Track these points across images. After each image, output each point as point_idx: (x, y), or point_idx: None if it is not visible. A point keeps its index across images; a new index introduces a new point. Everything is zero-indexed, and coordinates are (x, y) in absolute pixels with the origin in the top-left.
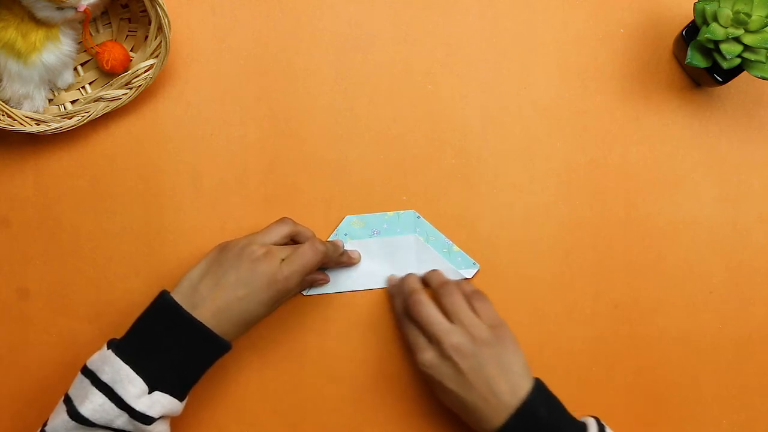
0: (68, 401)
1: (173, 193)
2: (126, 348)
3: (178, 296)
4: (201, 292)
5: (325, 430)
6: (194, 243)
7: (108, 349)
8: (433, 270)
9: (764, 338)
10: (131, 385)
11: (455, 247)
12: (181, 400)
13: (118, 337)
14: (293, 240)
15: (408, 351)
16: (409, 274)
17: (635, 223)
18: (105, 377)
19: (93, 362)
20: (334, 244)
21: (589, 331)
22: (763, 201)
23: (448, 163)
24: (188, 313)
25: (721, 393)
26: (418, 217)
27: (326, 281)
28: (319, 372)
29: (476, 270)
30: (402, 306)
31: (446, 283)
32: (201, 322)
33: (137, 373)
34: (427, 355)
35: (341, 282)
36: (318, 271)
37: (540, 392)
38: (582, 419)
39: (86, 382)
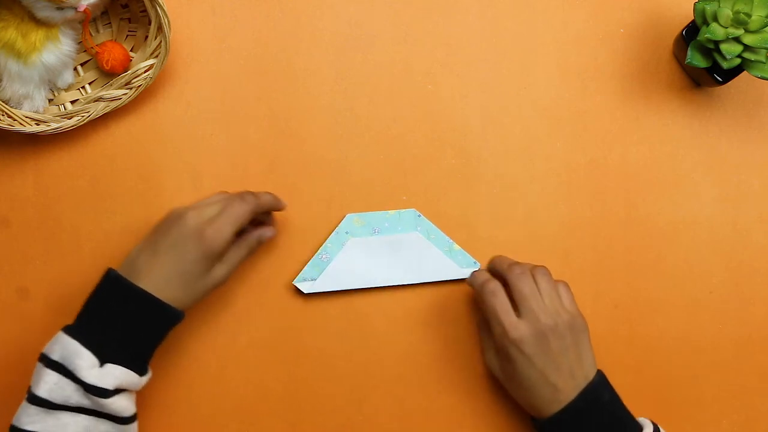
0: (28, 389)
1: (173, 193)
2: (75, 327)
3: (121, 271)
4: (139, 264)
5: (325, 430)
6: None
7: (60, 331)
8: (503, 257)
9: (764, 338)
10: (80, 359)
11: (456, 246)
12: (140, 373)
13: None
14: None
15: (408, 351)
16: (501, 255)
17: (635, 223)
18: (55, 356)
19: (47, 347)
20: (273, 196)
21: (588, 330)
22: (763, 201)
23: (448, 163)
24: (130, 282)
25: (721, 393)
26: (419, 216)
27: (272, 235)
28: (319, 372)
29: (476, 269)
30: (484, 279)
31: (539, 267)
32: (144, 290)
33: (86, 347)
34: (520, 331)
35: (341, 279)
36: (261, 226)
37: (603, 378)
38: (639, 419)
39: (40, 365)
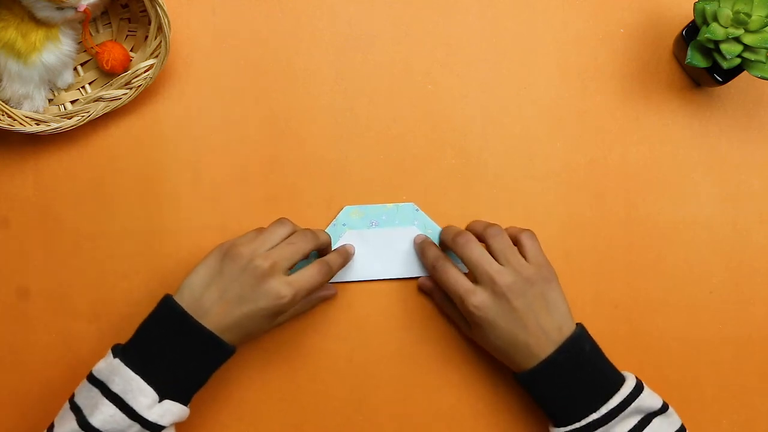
0: (77, 410)
1: (173, 194)
2: (134, 356)
3: (181, 303)
4: (204, 304)
5: (326, 430)
6: (194, 243)
7: (114, 357)
8: (476, 220)
9: (764, 338)
10: (142, 396)
11: None
12: (187, 405)
13: (119, 338)
14: None
15: (408, 350)
16: (449, 226)
17: (635, 223)
18: (115, 388)
19: (100, 371)
20: (342, 257)
21: (589, 330)
22: (763, 201)
23: (448, 163)
24: (196, 320)
25: (721, 393)
26: (417, 210)
27: (333, 294)
28: (320, 372)
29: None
30: (433, 257)
31: (492, 225)
32: (210, 330)
33: (148, 383)
34: (479, 297)
35: (339, 273)
36: (326, 286)
37: (584, 332)
38: (623, 372)
39: (95, 391)
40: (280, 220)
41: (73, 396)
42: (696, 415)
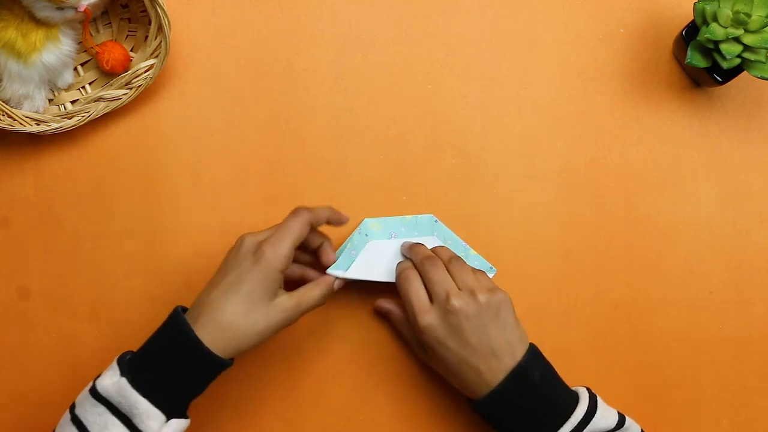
0: (82, 427)
1: (173, 193)
2: (141, 378)
3: (191, 310)
4: (202, 298)
5: (326, 430)
6: (194, 243)
7: (122, 375)
8: (441, 246)
9: (764, 338)
10: (151, 420)
11: (472, 251)
12: (188, 417)
13: (119, 338)
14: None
15: (408, 350)
16: (419, 243)
17: (635, 223)
18: (123, 409)
19: (107, 390)
20: (328, 209)
21: (589, 330)
22: (763, 201)
23: (448, 163)
24: (195, 336)
25: (721, 393)
26: (436, 221)
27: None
28: (320, 372)
29: (494, 273)
30: (402, 267)
31: (455, 257)
32: (209, 350)
33: (155, 406)
34: (431, 316)
35: (367, 271)
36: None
37: (534, 356)
38: (575, 389)
39: (102, 408)
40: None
41: (73, 407)
42: (696, 415)
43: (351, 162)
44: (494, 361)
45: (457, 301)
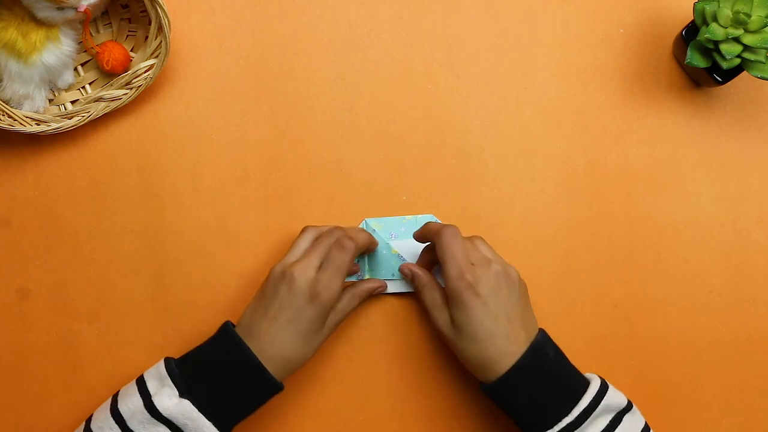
0: None
1: (173, 193)
2: (203, 400)
3: (240, 331)
4: (253, 326)
5: (326, 430)
6: (194, 243)
7: (182, 397)
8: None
9: (764, 338)
10: None
11: None
12: None
13: (119, 338)
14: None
15: (408, 350)
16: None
17: (635, 223)
18: (178, 422)
19: (170, 411)
20: (365, 235)
21: (588, 330)
22: (763, 201)
23: (448, 163)
24: (261, 363)
25: (721, 393)
26: (436, 222)
27: (384, 287)
28: (320, 372)
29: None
30: (443, 230)
31: (475, 237)
32: (273, 376)
33: (216, 426)
34: (477, 273)
35: (370, 271)
36: (374, 279)
37: (546, 336)
38: (587, 375)
39: (164, 429)
40: (303, 229)
41: (123, 421)
42: (696, 415)
43: (351, 162)
44: (522, 331)
45: (499, 267)
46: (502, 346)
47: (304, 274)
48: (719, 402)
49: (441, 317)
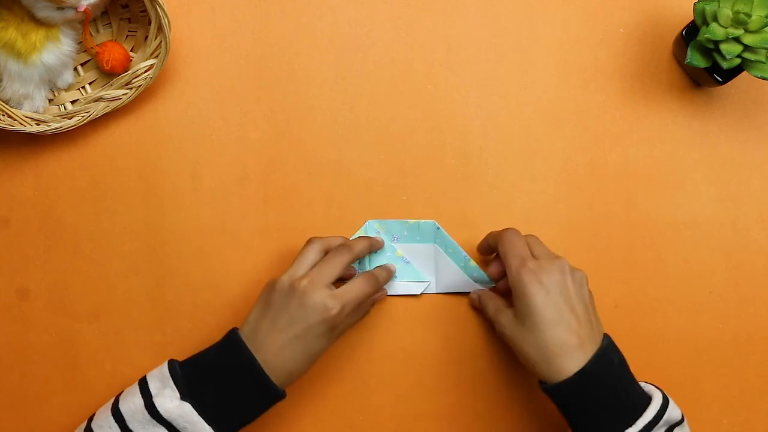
0: None
1: (173, 193)
2: (205, 404)
3: (249, 343)
4: (259, 336)
5: (325, 430)
6: (194, 243)
7: (183, 400)
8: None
9: (764, 338)
10: None
11: (472, 262)
12: None
13: (119, 338)
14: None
15: (408, 350)
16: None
17: (635, 223)
18: (178, 425)
19: (170, 413)
20: (387, 271)
21: None
22: (763, 201)
23: (448, 163)
24: (265, 372)
25: (721, 393)
26: (438, 228)
27: (384, 295)
28: (320, 372)
29: (491, 286)
30: (503, 233)
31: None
32: (276, 385)
33: (216, 431)
34: (540, 262)
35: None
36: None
37: (612, 342)
38: (647, 388)
39: (163, 430)
40: (308, 241)
41: (124, 420)
42: (696, 415)
43: (351, 162)
44: (588, 327)
45: (561, 261)
46: (563, 337)
47: (318, 289)
48: (719, 402)
49: (504, 318)
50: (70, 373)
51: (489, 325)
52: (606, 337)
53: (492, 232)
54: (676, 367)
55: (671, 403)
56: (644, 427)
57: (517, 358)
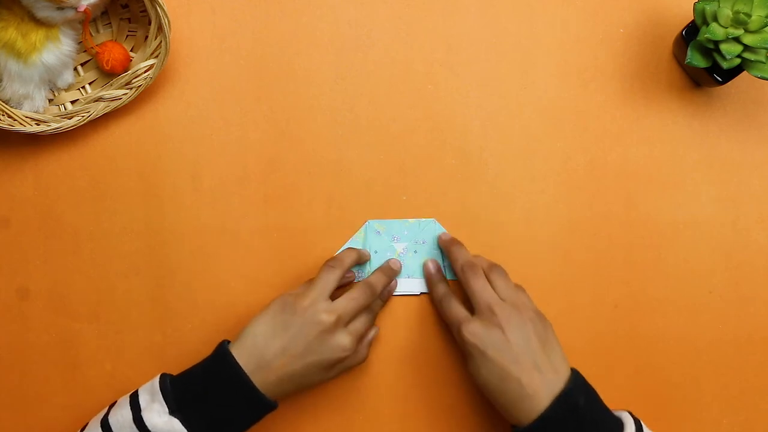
0: None
1: (173, 193)
2: (193, 418)
3: (242, 354)
4: (267, 355)
5: (326, 430)
6: (194, 243)
7: (172, 415)
8: (480, 256)
9: (764, 338)
10: None
11: None
12: None
13: (119, 338)
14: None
15: (408, 350)
16: (460, 244)
17: (635, 223)
18: None
19: (157, 427)
20: (386, 272)
21: (588, 331)
22: (763, 201)
23: (448, 163)
24: (255, 386)
25: (721, 393)
26: (438, 227)
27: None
28: None
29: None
30: (441, 294)
31: (495, 266)
32: (266, 397)
33: None
34: (474, 325)
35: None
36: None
37: (578, 381)
38: (617, 413)
39: None
40: (327, 265)
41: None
42: (696, 415)
43: (351, 162)
44: (537, 374)
45: (501, 311)
46: (515, 392)
47: (343, 333)
48: (719, 402)
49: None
50: (70, 373)
51: None
52: (572, 377)
53: (453, 256)
54: (676, 367)
55: (645, 429)
56: None
57: None
